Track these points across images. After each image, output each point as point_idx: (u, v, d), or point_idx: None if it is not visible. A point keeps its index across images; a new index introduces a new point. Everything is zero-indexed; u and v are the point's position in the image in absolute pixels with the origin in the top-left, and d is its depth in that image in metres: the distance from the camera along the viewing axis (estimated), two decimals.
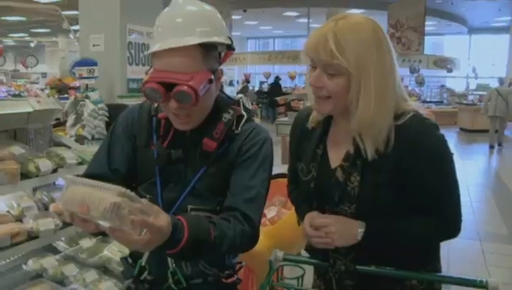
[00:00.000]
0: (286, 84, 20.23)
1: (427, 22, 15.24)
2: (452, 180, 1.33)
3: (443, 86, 19.86)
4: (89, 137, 3.53)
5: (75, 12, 15.23)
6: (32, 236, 2.01)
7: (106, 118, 3.75)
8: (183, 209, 1.35)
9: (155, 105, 1.44)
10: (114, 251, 2.30)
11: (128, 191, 1.00)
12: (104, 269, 2.30)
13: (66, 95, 6.48)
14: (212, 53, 1.31)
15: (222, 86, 1.51)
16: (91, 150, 2.50)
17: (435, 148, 1.31)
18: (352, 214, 1.33)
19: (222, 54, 1.37)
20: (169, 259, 1.36)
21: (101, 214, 0.97)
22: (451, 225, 1.35)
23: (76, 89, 5.05)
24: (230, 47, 1.37)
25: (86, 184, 1.02)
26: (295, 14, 19.71)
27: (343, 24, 1.26)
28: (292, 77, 21.20)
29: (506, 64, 19.30)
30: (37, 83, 17.93)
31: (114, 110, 3.81)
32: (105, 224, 0.99)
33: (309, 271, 1.36)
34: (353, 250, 1.35)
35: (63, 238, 2.40)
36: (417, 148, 1.28)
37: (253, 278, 2.20)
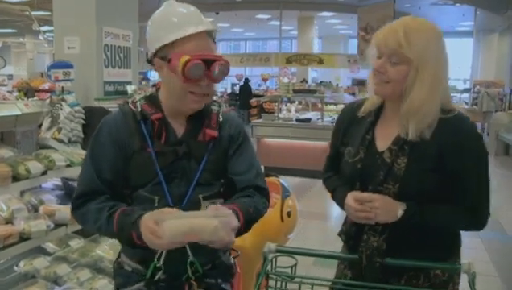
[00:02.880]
0: (258, 86, 20.34)
1: None
2: (486, 177, 1.52)
3: None
4: (66, 140, 3.50)
5: (43, 12, 14.92)
6: (24, 238, 2.03)
7: (83, 121, 3.74)
8: (193, 200, 1.45)
9: (139, 109, 1.50)
10: (106, 250, 2.34)
11: (213, 210, 1.30)
12: (96, 268, 2.34)
13: (35, 98, 6.37)
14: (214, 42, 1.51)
15: None
16: (78, 152, 2.53)
17: (477, 146, 1.50)
18: (394, 193, 1.48)
19: None
20: (189, 251, 1.43)
21: (208, 236, 1.24)
22: (480, 218, 1.53)
23: (45, 91, 4.99)
24: (213, 41, 1.54)
25: (181, 216, 1.27)
26: (266, 16, 19.85)
27: (412, 21, 1.49)
28: (265, 79, 21.33)
29: (470, 67, 19.94)
30: (5, 85, 17.46)
31: (91, 113, 3.82)
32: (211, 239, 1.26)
33: (301, 260, 1.45)
34: (387, 230, 1.49)
35: (51, 241, 2.43)
36: (460, 144, 1.46)
37: (238, 274, 2.28)
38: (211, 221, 1.23)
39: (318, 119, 8.55)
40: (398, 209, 1.46)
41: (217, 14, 17.86)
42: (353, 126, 1.65)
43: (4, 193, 2.14)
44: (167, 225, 1.23)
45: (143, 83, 13.49)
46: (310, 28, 20.75)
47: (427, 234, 1.52)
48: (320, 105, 9.51)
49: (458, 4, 16.05)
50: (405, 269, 1.52)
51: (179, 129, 1.51)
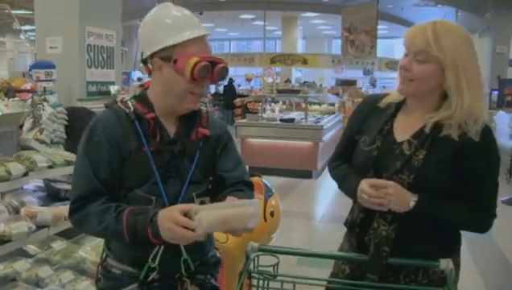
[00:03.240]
0: (242, 86, 20.35)
1: (379, 26, 15.70)
2: (495, 179, 1.56)
3: (384, 87, 20.52)
4: (48, 141, 3.40)
5: (24, 11, 14.70)
6: (4, 240, 2.00)
7: (65, 122, 3.69)
8: (187, 198, 1.47)
9: (132, 109, 1.49)
10: (89, 251, 2.33)
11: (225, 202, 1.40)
12: (79, 270, 2.32)
13: (16, 98, 6.27)
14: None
15: None
16: (60, 153, 2.51)
17: (493, 150, 1.55)
18: (408, 184, 1.50)
19: None
20: (182, 249, 1.46)
21: (244, 224, 1.33)
22: (486, 219, 1.57)
23: (27, 91, 4.92)
24: None
25: (215, 207, 1.34)
26: (251, 16, 19.86)
27: (442, 23, 1.51)
28: (249, 79, 21.34)
29: None
30: None
31: (74, 114, 3.78)
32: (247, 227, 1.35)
33: (285, 260, 1.47)
34: (396, 220, 1.53)
35: (33, 243, 2.40)
36: (481, 146, 1.50)
37: (222, 274, 2.29)
38: (247, 209, 1.32)
39: (302, 119, 8.59)
40: (411, 200, 1.49)
41: (201, 13, 17.77)
42: (372, 116, 1.68)
43: None
44: (204, 217, 1.27)
45: (136, 84, 13.23)
46: (294, 28, 20.82)
47: (434, 228, 1.56)
48: (303, 105, 9.56)
49: (439, 5, 16.28)
50: (404, 265, 1.54)
51: (170, 128, 1.53)
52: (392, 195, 1.47)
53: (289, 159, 8.07)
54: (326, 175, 8.57)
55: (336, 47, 20.61)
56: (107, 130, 1.47)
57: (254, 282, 1.38)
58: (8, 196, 2.34)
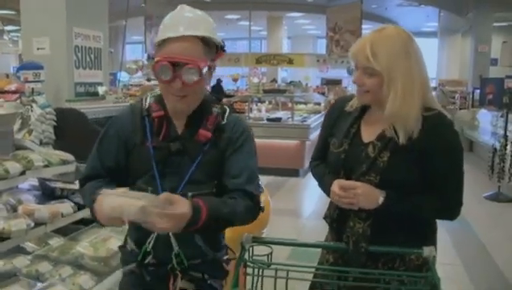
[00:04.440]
0: (228, 86, 20.38)
1: (363, 26, 15.87)
2: (460, 169, 1.65)
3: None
4: (37, 142, 3.43)
5: (7, 11, 14.52)
6: (3, 237, 2.06)
7: (54, 123, 3.69)
8: (183, 196, 1.46)
9: (146, 106, 1.60)
10: (86, 247, 2.39)
11: (149, 194, 1.35)
12: (77, 265, 2.38)
13: (0, 100, 6.23)
14: (211, 48, 1.53)
15: None
16: (55, 152, 2.56)
17: (455, 142, 1.63)
18: (375, 184, 1.59)
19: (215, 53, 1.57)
20: (173, 242, 1.52)
21: (133, 216, 1.28)
22: (453, 207, 1.66)
23: (12, 92, 4.90)
24: (222, 48, 1.59)
25: (116, 194, 1.33)
26: (236, 17, 19.94)
27: (378, 36, 1.59)
28: (235, 80, 21.39)
29: (436, 66, 20.52)
30: None
31: (62, 115, 3.76)
32: (138, 221, 1.29)
33: (277, 254, 1.55)
34: (371, 217, 1.62)
35: (30, 240, 2.45)
36: (438, 138, 1.58)
37: None
38: (137, 202, 1.27)
39: (288, 118, 8.69)
40: (379, 197, 1.58)
41: None
42: (341, 119, 1.77)
43: None
44: (105, 199, 1.33)
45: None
46: (279, 28, 20.95)
47: (407, 220, 1.65)
48: (289, 105, 9.65)
49: (423, 5, 16.51)
50: (382, 254, 1.64)
51: (180, 127, 1.59)
52: (361, 195, 1.58)
53: (276, 157, 8.14)
54: None
55: (321, 46, 20.76)
56: (119, 125, 1.63)
57: (249, 271, 1.47)
58: (5, 195, 2.39)
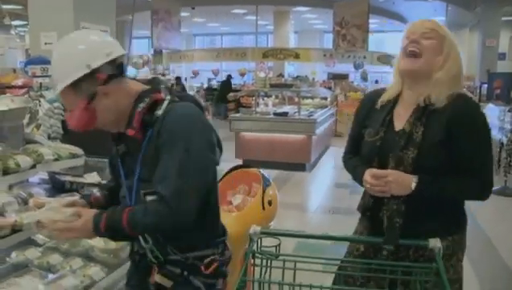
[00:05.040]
0: (235, 80, 20.41)
1: (370, 20, 15.82)
2: (487, 148, 1.74)
3: (377, 82, 20.64)
4: (45, 136, 3.41)
5: (14, 6, 14.53)
6: (16, 229, 2.10)
7: (62, 117, 3.70)
8: (139, 194, 1.54)
9: None
10: (96, 239, 2.42)
11: (54, 205, 1.57)
12: (88, 257, 2.42)
13: (8, 94, 6.24)
14: (83, 84, 1.50)
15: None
16: (64, 146, 2.59)
17: (482, 121, 1.74)
18: (412, 159, 1.69)
19: (105, 70, 1.51)
20: (141, 239, 1.61)
21: (35, 230, 1.52)
22: (487, 188, 1.74)
23: (19, 88, 4.93)
24: (116, 61, 1.54)
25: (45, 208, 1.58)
26: (242, 11, 19.89)
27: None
28: (242, 74, 21.38)
29: None
30: None
31: None
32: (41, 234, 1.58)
33: (283, 246, 1.57)
34: (406, 196, 1.70)
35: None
36: (469, 116, 1.71)
37: None
38: (34, 218, 1.52)
39: (295, 113, 8.70)
40: (412, 182, 1.65)
41: (193, 8, 17.83)
42: (374, 110, 1.87)
43: None
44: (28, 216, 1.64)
45: None
46: (286, 23, 20.88)
47: (441, 205, 1.73)
48: (296, 99, 9.65)
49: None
50: (421, 230, 1.67)
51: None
52: (393, 182, 1.66)
53: (283, 152, 8.17)
54: (319, 167, 8.74)
55: (328, 41, 20.71)
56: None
57: (258, 262, 1.49)
58: (16, 188, 2.43)
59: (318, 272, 1.45)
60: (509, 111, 7.20)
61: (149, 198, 1.49)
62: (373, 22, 18.85)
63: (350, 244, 1.93)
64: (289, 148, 8.20)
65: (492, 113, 10.15)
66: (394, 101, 1.84)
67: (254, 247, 1.48)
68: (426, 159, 1.69)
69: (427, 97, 1.73)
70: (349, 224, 1.72)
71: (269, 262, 1.46)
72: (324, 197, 6.91)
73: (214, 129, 1.64)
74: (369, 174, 1.70)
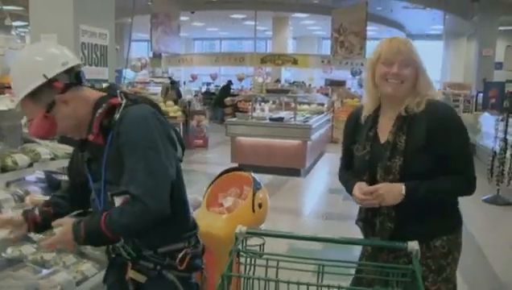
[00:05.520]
0: (233, 85, 20.46)
1: (368, 28, 15.92)
2: (466, 145, 1.88)
3: None
4: None
5: (15, 7, 14.61)
6: None
7: None
8: (106, 196, 1.63)
9: None
10: None
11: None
12: (80, 253, 2.49)
13: (7, 95, 6.29)
14: (41, 93, 1.58)
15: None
16: (61, 146, 2.65)
17: (457, 122, 1.86)
18: (400, 167, 1.82)
19: (62, 80, 1.60)
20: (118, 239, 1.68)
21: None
22: (471, 183, 1.86)
23: None
24: (73, 70, 1.63)
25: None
26: (241, 16, 20.00)
27: (397, 38, 1.94)
28: (240, 79, 21.48)
29: (441, 69, 20.53)
30: None
31: None
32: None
33: (276, 245, 1.64)
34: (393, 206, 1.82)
35: None
36: (444, 119, 1.84)
37: (212, 260, 2.46)
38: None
39: (291, 118, 8.77)
40: (401, 189, 1.78)
41: (193, 13, 17.93)
42: (358, 127, 2.01)
43: None
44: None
45: None
46: (284, 29, 21.01)
47: (434, 206, 1.85)
48: (293, 105, 9.74)
49: (428, 8, 16.54)
50: (410, 238, 1.70)
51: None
52: (384, 194, 1.77)
53: (278, 157, 8.23)
54: (314, 173, 8.80)
55: (326, 47, 20.84)
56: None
57: (242, 260, 1.56)
58: (13, 186, 2.50)
59: (300, 271, 1.51)
60: (501, 120, 7.27)
61: (116, 199, 1.57)
62: (372, 29, 18.99)
63: (362, 247, 2.07)
64: (284, 153, 8.27)
65: (487, 122, 10.24)
66: (374, 116, 1.97)
67: (240, 246, 1.55)
68: (412, 165, 1.81)
69: (407, 107, 1.86)
70: (342, 229, 1.80)
71: (253, 260, 1.53)
72: (317, 203, 6.98)
73: (173, 126, 1.76)
74: (357, 189, 1.83)
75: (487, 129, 9.91)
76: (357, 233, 2.07)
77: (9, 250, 2.40)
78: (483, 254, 4.87)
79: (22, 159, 2.29)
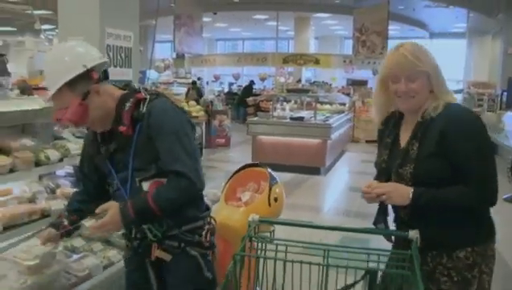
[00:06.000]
0: (255, 85, 20.65)
1: (390, 27, 15.85)
2: (482, 153, 1.75)
3: None
4: (71, 135, 3.73)
5: (43, 11, 15.07)
6: (45, 215, 2.36)
7: None
8: (134, 183, 1.83)
9: None
10: None
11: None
12: (107, 241, 2.68)
13: (35, 96, 6.53)
14: (78, 83, 1.76)
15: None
16: None
17: (473, 127, 1.77)
18: (410, 174, 1.79)
19: (96, 70, 1.81)
20: (143, 222, 1.86)
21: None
22: (486, 194, 1.75)
23: (44, 89, 5.13)
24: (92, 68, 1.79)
25: None
26: (264, 17, 20.12)
27: (407, 46, 1.82)
28: (263, 79, 21.60)
29: (464, 67, 20.28)
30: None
31: None
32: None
33: (278, 228, 1.77)
34: (409, 207, 1.79)
35: None
36: (458, 127, 1.75)
37: (230, 250, 2.60)
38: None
39: (311, 118, 8.87)
40: (409, 192, 1.75)
41: (215, 14, 18.14)
42: (383, 136, 2.01)
43: (27, 177, 2.47)
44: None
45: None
46: (306, 29, 21.04)
47: (451, 215, 1.78)
48: (313, 104, 9.83)
49: (451, 6, 16.37)
50: (429, 247, 1.77)
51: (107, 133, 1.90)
52: (391, 191, 1.77)
53: (298, 155, 8.34)
54: (334, 171, 8.88)
55: (348, 47, 20.78)
56: (85, 141, 2.08)
57: (255, 245, 1.69)
58: (45, 179, 2.70)
59: (307, 255, 1.63)
60: None
61: (144, 184, 1.81)
62: (394, 28, 18.88)
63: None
64: (304, 152, 8.37)
65: (510, 121, 10.14)
66: (396, 123, 1.95)
67: (252, 232, 1.68)
68: (422, 173, 1.77)
69: (424, 113, 1.82)
70: (359, 225, 1.86)
71: (264, 245, 1.67)
72: (337, 200, 7.06)
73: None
74: (365, 185, 1.84)
75: (511, 128, 9.81)
76: None
77: None
78: (498, 251, 4.87)
79: (53, 154, 2.48)
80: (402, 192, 1.77)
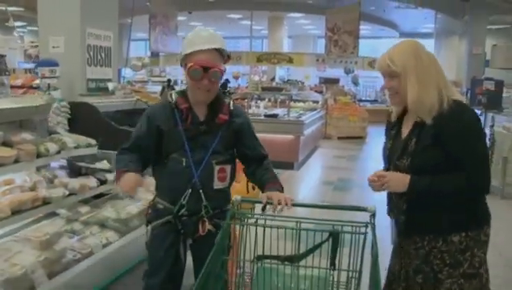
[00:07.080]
0: (230, 84, 20.76)
1: (362, 27, 16.25)
2: (475, 148, 1.90)
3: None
4: (64, 130, 3.87)
5: (15, 8, 14.89)
6: (46, 202, 2.61)
7: (68, 115, 3.95)
8: (208, 163, 2.13)
9: (173, 100, 2.17)
10: (110, 211, 2.94)
11: None
12: (103, 225, 2.94)
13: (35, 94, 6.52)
14: (223, 57, 2.15)
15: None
16: (81, 137, 3.09)
17: (466, 122, 1.90)
18: (407, 166, 1.96)
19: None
20: (203, 197, 2.13)
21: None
22: (478, 182, 1.90)
23: (18, 87, 5.16)
24: (229, 56, 2.21)
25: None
26: (238, 16, 20.34)
27: (393, 48, 2.00)
28: (236, 77, 21.83)
29: None
30: None
31: (75, 108, 4.02)
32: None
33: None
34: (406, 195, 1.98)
35: (63, 207, 3.00)
36: (453, 121, 1.87)
37: None
38: None
39: (284, 115, 9.18)
40: (407, 179, 1.92)
41: (190, 13, 18.26)
42: (389, 128, 2.18)
43: (28, 168, 2.72)
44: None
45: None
46: (280, 28, 21.32)
47: (446, 201, 1.93)
48: (287, 102, 10.16)
49: (420, 8, 16.92)
50: (426, 231, 1.98)
51: (201, 114, 2.18)
52: (390, 180, 1.95)
53: (273, 151, 8.43)
54: (307, 166, 9.21)
55: (321, 46, 21.19)
56: (150, 115, 2.23)
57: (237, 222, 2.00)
58: (43, 170, 2.94)
59: (284, 229, 1.94)
60: (480, 115, 7.71)
61: (216, 167, 2.14)
62: (365, 28, 19.35)
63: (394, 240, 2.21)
64: (278, 148, 8.64)
65: None
66: (399, 116, 2.11)
67: (236, 209, 1.99)
68: (417, 165, 1.93)
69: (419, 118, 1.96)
70: (331, 216, 2.09)
71: (245, 220, 1.98)
72: (309, 193, 7.37)
73: None
74: (371, 174, 2.00)
75: None
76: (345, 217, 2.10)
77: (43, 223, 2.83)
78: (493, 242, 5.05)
79: (52, 147, 2.73)
80: (400, 180, 1.94)
